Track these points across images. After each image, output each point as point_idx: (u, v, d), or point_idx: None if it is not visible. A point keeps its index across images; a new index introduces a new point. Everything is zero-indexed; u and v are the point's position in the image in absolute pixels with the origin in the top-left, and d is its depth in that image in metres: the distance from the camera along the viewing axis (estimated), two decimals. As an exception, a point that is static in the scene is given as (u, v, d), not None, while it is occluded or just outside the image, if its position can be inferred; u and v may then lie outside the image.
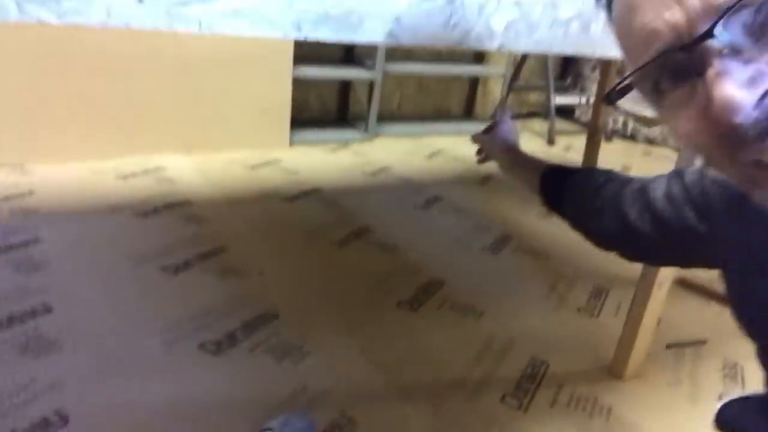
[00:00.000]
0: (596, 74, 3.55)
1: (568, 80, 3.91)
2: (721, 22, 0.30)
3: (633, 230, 0.70)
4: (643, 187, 0.72)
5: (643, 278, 1.23)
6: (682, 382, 1.34)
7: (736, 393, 1.30)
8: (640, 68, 0.35)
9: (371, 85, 2.95)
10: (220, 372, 1.19)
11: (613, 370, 1.32)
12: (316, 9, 0.60)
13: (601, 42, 0.84)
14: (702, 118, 0.33)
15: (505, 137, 1.02)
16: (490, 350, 1.37)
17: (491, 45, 0.73)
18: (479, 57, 3.55)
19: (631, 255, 0.77)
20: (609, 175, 0.80)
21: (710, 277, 1.82)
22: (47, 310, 1.31)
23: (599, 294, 1.68)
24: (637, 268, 1.32)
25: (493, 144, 1.03)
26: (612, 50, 0.86)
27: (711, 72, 0.32)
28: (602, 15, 0.42)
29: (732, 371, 1.40)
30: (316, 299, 1.50)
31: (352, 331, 1.38)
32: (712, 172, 0.62)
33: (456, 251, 1.88)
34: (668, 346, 1.47)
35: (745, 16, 0.31)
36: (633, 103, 0.40)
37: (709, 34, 0.31)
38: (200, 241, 1.72)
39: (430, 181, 2.54)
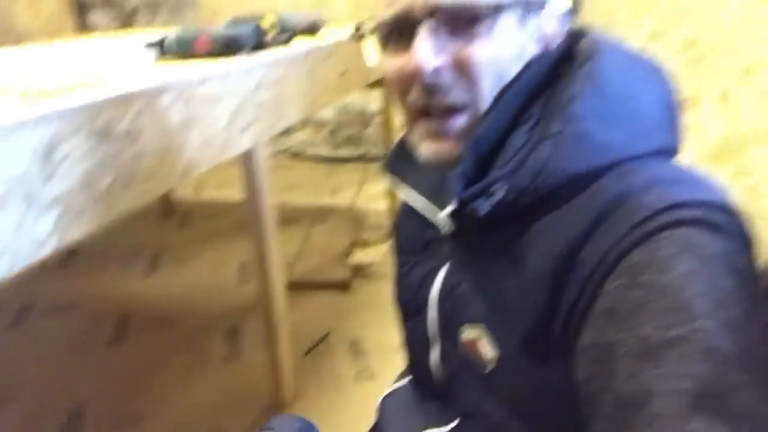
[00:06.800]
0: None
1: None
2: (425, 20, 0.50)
3: None
4: None
5: (266, 308, 1.31)
6: (325, 379, 1.53)
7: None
8: (380, 23, 0.53)
9: None
10: None
11: (277, 404, 1.40)
12: None
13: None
14: (403, 67, 0.51)
15: None
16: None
17: None
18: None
19: None
20: None
21: (309, 267, 2.07)
22: None
23: (233, 336, 1.74)
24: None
25: None
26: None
27: (417, 40, 0.50)
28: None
29: (356, 347, 1.66)
30: None
31: None
32: None
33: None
34: (306, 354, 1.63)
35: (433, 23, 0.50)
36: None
37: (418, 21, 0.49)
38: None
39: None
